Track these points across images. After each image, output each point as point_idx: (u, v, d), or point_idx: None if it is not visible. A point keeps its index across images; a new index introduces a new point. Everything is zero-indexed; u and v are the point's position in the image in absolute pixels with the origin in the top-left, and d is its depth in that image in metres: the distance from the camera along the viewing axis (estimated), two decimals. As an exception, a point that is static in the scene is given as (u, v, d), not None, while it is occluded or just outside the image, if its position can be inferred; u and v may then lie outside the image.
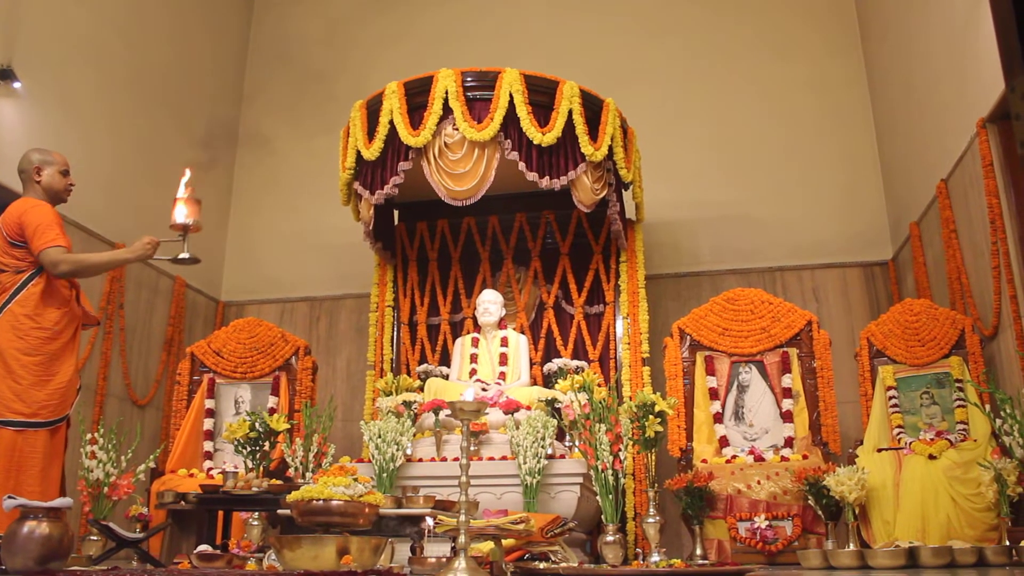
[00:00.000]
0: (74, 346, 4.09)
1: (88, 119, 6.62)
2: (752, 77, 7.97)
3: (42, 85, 6.10)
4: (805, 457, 5.45)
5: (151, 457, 5.30)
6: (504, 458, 5.25)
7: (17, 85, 5.81)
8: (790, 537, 5.09)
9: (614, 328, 6.63)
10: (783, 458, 5.49)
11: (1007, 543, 4.33)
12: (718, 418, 5.87)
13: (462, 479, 2.79)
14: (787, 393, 5.84)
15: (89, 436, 4.80)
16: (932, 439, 5.09)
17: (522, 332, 6.68)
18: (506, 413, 5.47)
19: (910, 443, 5.16)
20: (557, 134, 5.70)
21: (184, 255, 4.37)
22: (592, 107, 5.95)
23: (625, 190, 6.51)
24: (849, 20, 8.02)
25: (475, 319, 6.63)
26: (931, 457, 4.95)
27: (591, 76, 6.52)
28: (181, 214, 4.40)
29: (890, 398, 5.55)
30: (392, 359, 6.86)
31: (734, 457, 5.58)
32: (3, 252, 3.99)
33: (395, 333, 6.96)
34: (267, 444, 5.23)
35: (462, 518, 2.76)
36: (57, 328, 3.99)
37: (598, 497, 4.70)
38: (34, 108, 6.01)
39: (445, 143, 5.77)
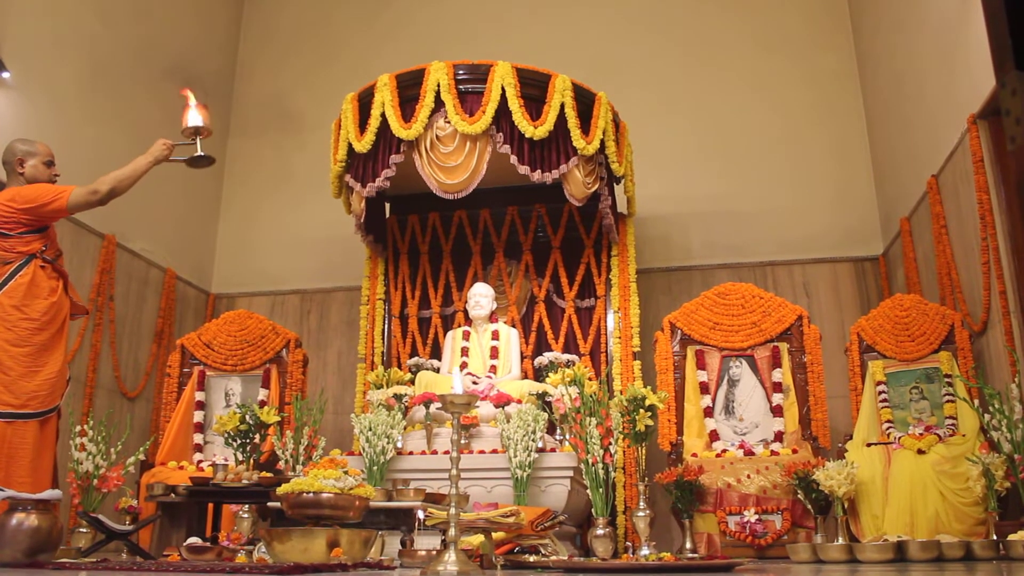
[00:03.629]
0: (63, 337, 4.08)
1: (77, 108, 6.58)
2: (744, 71, 7.98)
3: (31, 74, 6.06)
4: (795, 451, 5.47)
5: (141, 449, 5.30)
6: (494, 451, 5.25)
7: (6, 75, 5.78)
8: (779, 531, 5.10)
9: (605, 322, 6.63)
10: (773, 452, 5.50)
11: (995, 537, 4.35)
12: (708, 412, 5.89)
13: (452, 472, 2.79)
14: (777, 387, 5.86)
15: (79, 428, 4.79)
16: (921, 434, 5.10)
17: (513, 326, 6.69)
18: (497, 406, 5.47)
19: (899, 438, 5.18)
20: (549, 127, 5.69)
21: (199, 153, 4.40)
22: (584, 101, 5.95)
23: (617, 184, 6.51)
24: (841, 14, 8.02)
25: (466, 312, 6.63)
26: (920, 452, 4.96)
27: (583, 70, 6.52)
28: (194, 118, 4.44)
29: (880, 393, 5.57)
30: (383, 352, 6.86)
31: (724, 451, 5.60)
32: (-10, 243, 3.98)
33: (386, 326, 6.96)
34: (257, 437, 5.23)
35: (452, 511, 2.76)
36: (45, 318, 3.97)
37: (588, 491, 4.71)
38: (23, 97, 5.98)
39: (437, 136, 5.76)
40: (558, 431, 5.63)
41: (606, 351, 6.56)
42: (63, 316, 4.09)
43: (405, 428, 5.57)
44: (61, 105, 6.38)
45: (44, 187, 4.07)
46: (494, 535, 3.52)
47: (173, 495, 4.73)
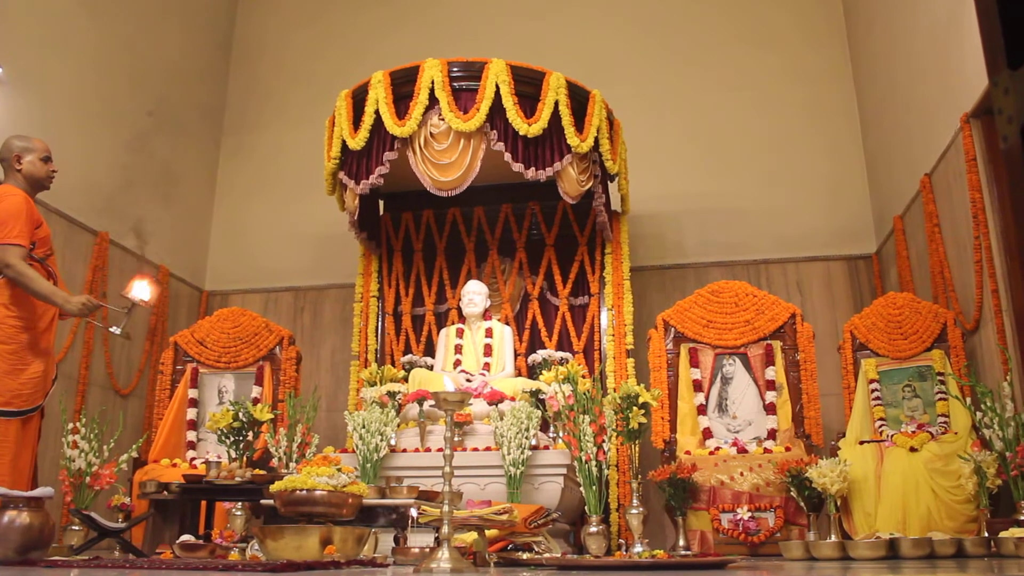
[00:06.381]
0: (50, 336, 4.06)
1: (70, 106, 6.55)
2: (738, 69, 7.99)
3: (23, 71, 6.04)
4: (788, 449, 5.48)
5: (134, 447, 5.28)
6: (488, 449, 5.25)
7: (-2, 71, 5.76)
8: (772, 528, 5.12)
9: (599, 320, 6.64)
10: (766, 450, 5.51)
11: (986, 534, 4.37)
12: (702, 410, 5.90)
13: (446, 469, 2.80)
14: (770, 385, 5.87)
15: (71, 425, 4.78)
16: (913, 432, 5.12)
17: (507, 323, 6.68)
18: (490, 404, 5.47)
19: (892, 436, 5.19)
20: (543, 125, 5.69)
21: (116, 329, 4.18)
22: (578, 98, 5.95)
23: (611, 182, 6.51)
24: (834, 12, 8.04)
25: (460, 310, 6.62)
26: (912, 449, 4.98)
27: (577, 69, 6.51)
28: (140, 290, 4.28)
29: (872, 391, 5.58)
30: (376, 349, 6.86)
31: (717, 449, 5.61)
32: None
33: (379, 323, 6.95)
34: (250, 434, 5.22)
35: (446, 508, 2.76)
36: (33, 317, 3.95)
37: (582, 488, 4.71)
38: (15, 94, 5.95)
39: (431, 133, 5.75)
40: (551, 429, 5.64)
41: (599, 348, 6.56)
42: (51, 315, 4.07)
43: (399, 425, 5.57)
44: (54, 102, 6.36)
45: (9, 220, 3.92)
46: (487, 532, 3.52)
47: (166, 492, 4.72)
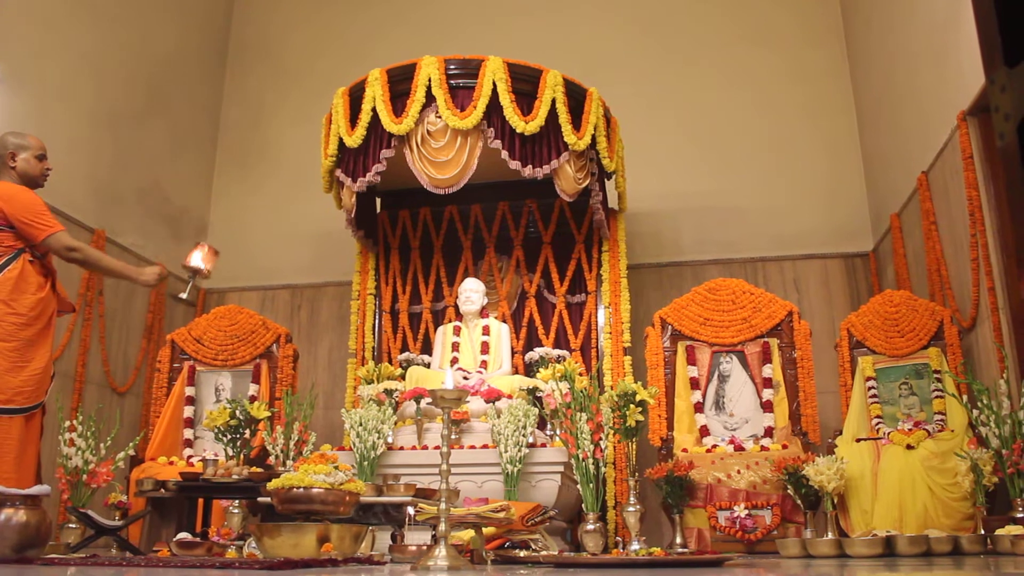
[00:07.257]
0: (49, 332, 4.06)
1: (66, 104, 6.54)
2: (735, 68, 7.98)
3: (20, 70, 6.02)
4: (785, 447, 5.49)
5: (131, 444, 5.28)
6: (485, 446, 5.25)
7: (-6, 68, 5.75)
8: (769, 526, 5.12)
9: (596, 317, 6.64)
10: (763, 448, 5.52)
11: (982, 532, 4.38)
12: (699, 408, 5.90)
13: (443, 467, 2.80)
14: (767, 383, 5.87)
15: (68, 423, 4.77)
16: (910, 429, 5.12)
17: (504, 321, 6.68)
18: (487, 402, 5.47)
19: (888, 433, 5.20)
20: (540, 123, 5.68)
21: (184, 295, 4.65)
22: (575, 96, 5.95)
23: (608, 180, 6.51)
24: (832, 10, 8.04)
25: (457, 308, 6.62)
26: (909, 447, 4.99)
27: (574, 67, 6.50)
28: (198, 258, 4.69)
29: (869, 388, 5.58)
30: (373, 347, 6.85)
31: (714, 446, 5.61)
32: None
33: (377, 321, 6.95)
34: (247, 432, 5.22)
35: (443, 506, 2.76)
36: (32, 314, 3.95)
37: (579, 486, 4.72)
38: (11, 93, 5.94)
39: (428, 131, 5.75)
40: (549, 426, 5.64)
41: (597, 346, 6.56)
42: (50, 312, 4.07)
43: (396, 423, 5.57)
44: (50, 100, 6.34)
45: (37, 209, 4.01)
46: (484, 530, 3.52)
47: (163, 490, 4.71)
